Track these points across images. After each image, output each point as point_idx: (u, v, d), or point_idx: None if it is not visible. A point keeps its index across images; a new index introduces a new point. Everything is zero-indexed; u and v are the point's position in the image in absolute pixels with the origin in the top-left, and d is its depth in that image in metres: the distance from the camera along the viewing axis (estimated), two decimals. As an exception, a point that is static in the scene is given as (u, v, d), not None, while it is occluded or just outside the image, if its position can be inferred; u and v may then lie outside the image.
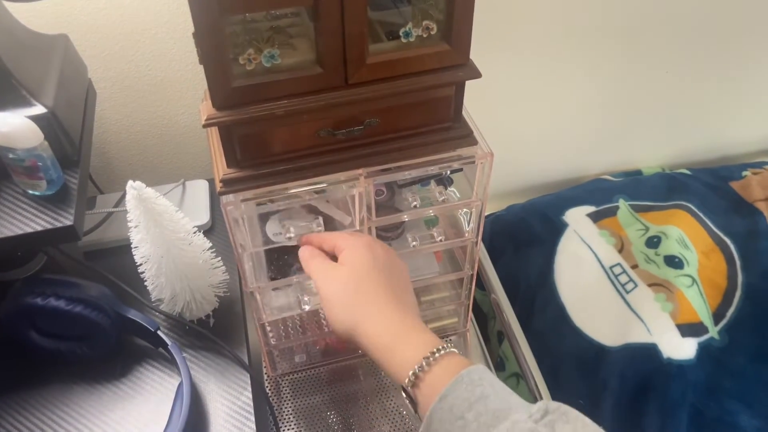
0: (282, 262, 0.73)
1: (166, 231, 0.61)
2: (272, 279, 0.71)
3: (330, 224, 0.68)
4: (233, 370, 0.68)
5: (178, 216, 0.62)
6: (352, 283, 0.53)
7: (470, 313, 0.82)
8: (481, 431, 0.42)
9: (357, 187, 0.59)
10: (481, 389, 0.44)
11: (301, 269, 0.60)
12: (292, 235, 0.64)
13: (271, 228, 0.70)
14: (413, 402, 0.47)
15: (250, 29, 0.50)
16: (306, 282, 0.70)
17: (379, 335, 0.50)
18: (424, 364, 0.46)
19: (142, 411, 0.64)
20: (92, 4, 0.74)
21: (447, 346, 0.47)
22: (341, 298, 0.52)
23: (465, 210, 0.72)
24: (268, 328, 0.75)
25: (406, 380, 0.47)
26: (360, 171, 0.59)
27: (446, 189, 0.70)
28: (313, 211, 0.68)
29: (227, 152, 0.56)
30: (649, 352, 0.85)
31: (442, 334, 0.84)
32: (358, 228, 0.64)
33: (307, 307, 0.69)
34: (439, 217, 0.79)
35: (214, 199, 0.84)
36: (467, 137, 0.62)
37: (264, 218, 0.69)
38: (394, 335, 0.49)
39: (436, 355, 0.47)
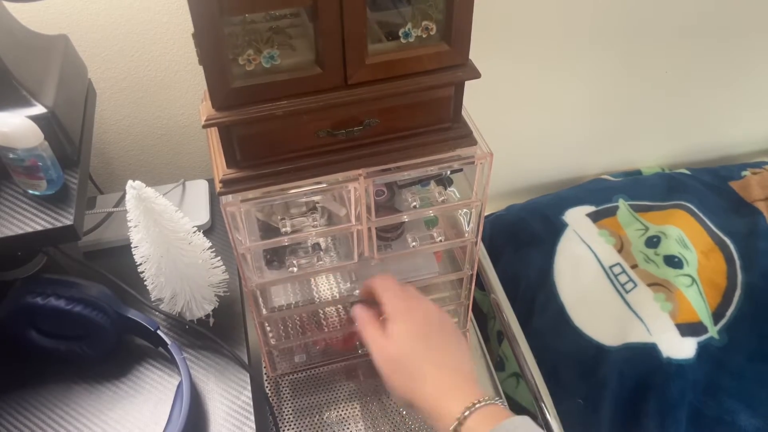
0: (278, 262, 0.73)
1: (165, 231, 0.61)
2: (269, 261, 0.71)
3: (325, 216, 0.68)
4: (233, 369, 0.68)
5: (177, 216, 0.62)
6: (403, 357, 0.56)
7: (470, 313, 0.82)
8: None
9: (352, 183, 0.59)
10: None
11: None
12: (289, 229, 0.64)
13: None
14: None
15: (249, 30, 0.50)
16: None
17: (430, 398, 0.54)
18: (466, 413, 0.50)
19: (142, 410, 0.64)
20: (92, 4, 0.74)
21: (492, 398, 0.52)
22: (394, 372, 0.56)
23: (465, 210, 0.72)
24: (268, 328, 0.75)
25: (451, 428, 0.50)
26: (360, 171, 0.59)
27: (446, 189, 0.70)
28: (310, 205, 0.68)
29: (227, 153, 0.56)
30: (649, 351, 0.85)
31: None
32: (353, 222, 0.64)
33: (294, 269, 0.68)
34: (438, 218, 0.79)
35: (214, 199, 0.84)
36: (467, 137, 0.62)
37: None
38: (443, 393, 0.53)
39: (477, 405, 0.51)
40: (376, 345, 0.58)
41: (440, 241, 0.70)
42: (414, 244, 0.70)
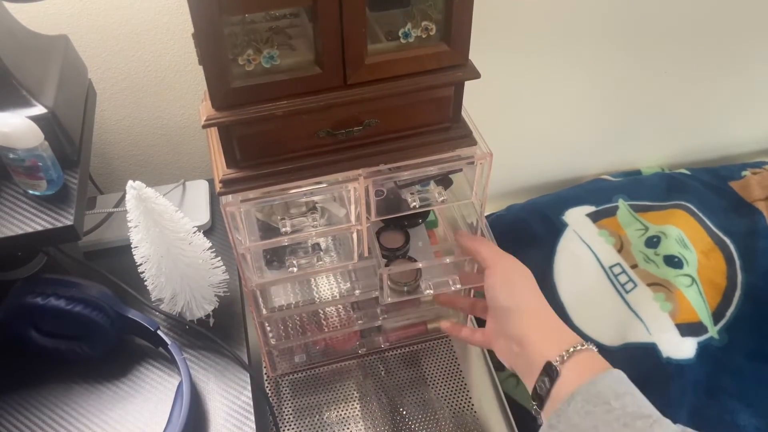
0: (278, 262, 0.73)
1: (165, 231, 0.61)
2: (269, 261, 0.71)
3: (325, 216, 0.68)
4: (233, 369, 0.68)
5: (177, 216, 0.62)
6: (521, 272, 0.63)
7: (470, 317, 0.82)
8: (623, 419, 0.47)
9: (352, 183, 0.59)
10: (628, 387, 0.51)
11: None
12: (288, 229, 0.64)
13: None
14: (551, 375, 0.53)
15: (249, 30, 0.50)
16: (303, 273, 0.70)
17: (538, 317, 0.58)
18: (579, 347, 0.53)
19: (142, 410, 0.64)
20: (92, 4, 0.74)
21: (585, 343, 0.54)
22: (510, 278, 0.62)
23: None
24: (268, 328, 0.75)
25: (562, 353, 0.53)
26: (359, 171, 0.59)
27: (446, 189, 0.70)
28: (309, 205, 0.68)
29: (227, 153, 0.56)
30: (649, 351, 0.85)
31: (442, 334, 0.84)
32: (353, 222, 0.64)
33: (294, 269, 0.69)
34: (439, 218, 0.80)
35: (214, 199, 0.84)
36: (466, 137, 0.62)
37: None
38: (553, 322, 0.58)
39: (588, 346, 0.54)
40: (500, 255, 0.64)
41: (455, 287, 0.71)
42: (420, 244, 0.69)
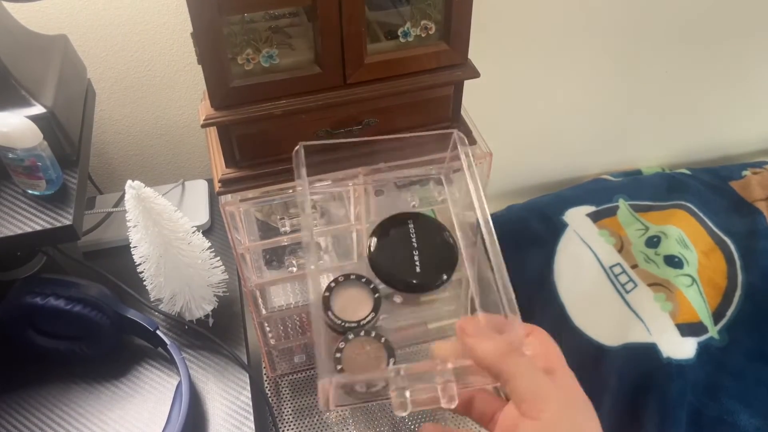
0: (278, 261, 0.73)
1: (164, 230, 0.61)
2: (268, 261, 0.71)
3: (324, 216, 0.68)
4: (232, 369, 0.68)
5: (176, 216, 0.62)
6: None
7: (470, 314, 0.82)
8: None
9: (351, 182, 0.59)
10: None
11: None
12: (288, 228, 0.64)
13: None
14: None
15: (248, 29, 0.50)
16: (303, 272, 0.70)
17: None
18: None
19: (141, 410, 0.64)
20: (92, 4, 0.74)
21: None
22: None
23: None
24: (268, 328, 0.75)
25: None
26: (359, 170, 0.59)
27: (445, 189, 0.70)
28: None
29: (226, 152, 0.56)
30: (649, 351, 0.85)
31: (441, 334, 0.84)
32: (353, 222, 0.63)
33: (294, 269, 0.64)
34: (438, 218, 0.79)
35: (214, 199, 0.84)
36: (466, 137, 0.62)
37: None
38: None
39: None
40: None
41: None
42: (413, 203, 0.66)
